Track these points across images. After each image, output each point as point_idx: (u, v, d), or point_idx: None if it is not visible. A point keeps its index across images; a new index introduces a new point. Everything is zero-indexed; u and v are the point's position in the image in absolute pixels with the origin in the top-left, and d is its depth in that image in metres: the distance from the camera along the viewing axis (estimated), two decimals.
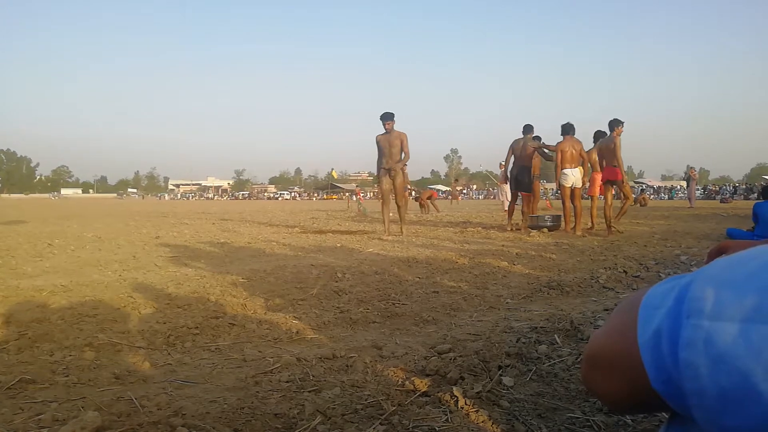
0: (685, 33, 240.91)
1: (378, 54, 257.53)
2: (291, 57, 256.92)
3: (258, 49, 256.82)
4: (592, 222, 9.00)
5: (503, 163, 18.34)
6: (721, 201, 31.81)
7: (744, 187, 47.40)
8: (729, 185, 54.55)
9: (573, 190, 8.27)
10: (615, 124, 7.96)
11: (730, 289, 0.35)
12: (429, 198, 18.07)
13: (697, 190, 34.63)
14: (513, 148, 8.87)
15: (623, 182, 8.22)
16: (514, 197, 9.28)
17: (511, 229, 8.72)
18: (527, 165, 8.72)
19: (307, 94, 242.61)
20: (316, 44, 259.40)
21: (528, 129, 8.69)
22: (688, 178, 22.58)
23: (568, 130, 8.32)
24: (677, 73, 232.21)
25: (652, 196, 45.88)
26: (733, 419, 0.32)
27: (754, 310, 0.32)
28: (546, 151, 8.65)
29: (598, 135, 8.56)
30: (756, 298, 0.33)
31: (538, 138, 9.06)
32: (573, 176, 8.19)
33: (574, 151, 8.18)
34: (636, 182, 64.57)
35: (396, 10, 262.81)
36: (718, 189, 49.40)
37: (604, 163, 8.33)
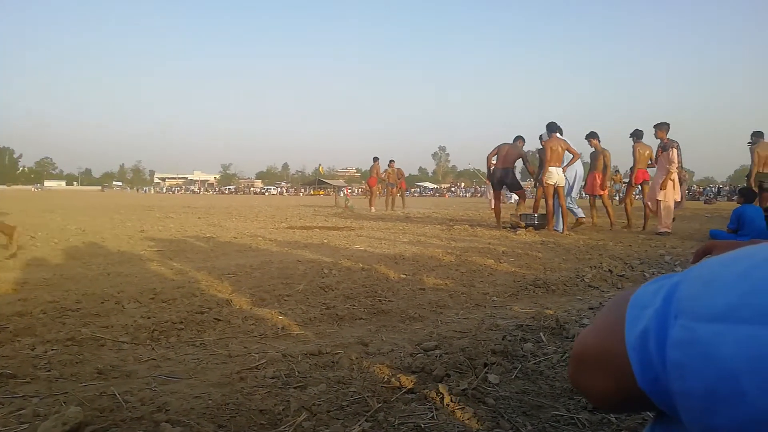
0: (669, 35, 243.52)
1: (366, 51, 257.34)
2: (280, 53, 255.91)
3: (245, 45, 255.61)
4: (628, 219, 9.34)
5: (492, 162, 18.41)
6: (705, 202, 32.20)
7: (728, 188, 48.00)
8: (713, 186, 55.17)
9: (556, 188, 8.33)
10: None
11: (719, 289, 0.35)
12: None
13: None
14: (499, 149, 9.04)
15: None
16: (498, 198, 9.52)
17: (503, 228, 8.76)
18: (510, 167, 8.96)
19: (295, 89, 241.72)
20: (305, 41, 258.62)
21: (552, 127, 8.58)
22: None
23: (554, 128, 8.39)
24: (661, 74, 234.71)
25: (637, 197, 46.23)
26: (718, 419, 0.32)
27: (741, 310, 0.32)
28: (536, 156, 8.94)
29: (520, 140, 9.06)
30: (744, 298, 0.33)
31: (521, 138, 9.39)
32: (557, 175, 8.25)
33: (560, 150, 8.24)
34: (624, 183, 65.14)
35: (386, 10, 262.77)
36: (702, 190, 49.94)
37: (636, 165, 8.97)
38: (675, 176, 8.10)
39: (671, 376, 0.35)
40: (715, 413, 0.32)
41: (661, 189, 8.09)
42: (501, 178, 9.00)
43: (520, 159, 9.23)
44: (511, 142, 9.18)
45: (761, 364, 0.30)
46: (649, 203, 8.45)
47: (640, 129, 9.02)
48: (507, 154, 8.93)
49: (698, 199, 40.50)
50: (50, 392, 1.79)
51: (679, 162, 8.20)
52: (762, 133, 8.81)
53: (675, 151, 8.05)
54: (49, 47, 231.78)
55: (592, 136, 9.41)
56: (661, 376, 0.36)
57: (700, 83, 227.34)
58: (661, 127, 8.32)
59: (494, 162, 9.14)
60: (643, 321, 0.39)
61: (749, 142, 8.96)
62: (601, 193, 9.54)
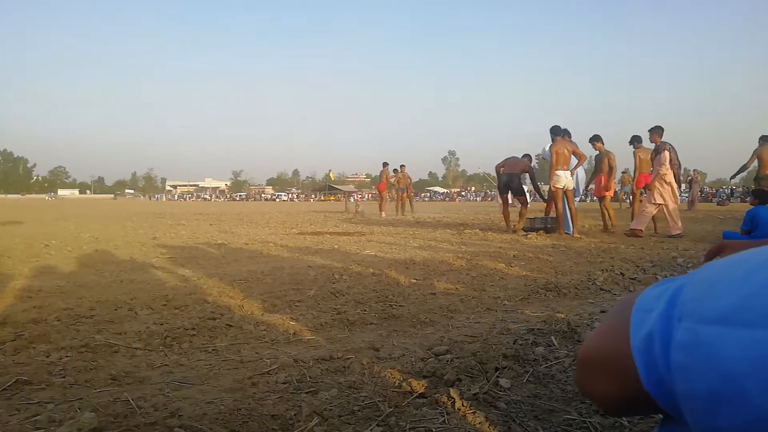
0: (679, 36, 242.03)
1: (376, 56, 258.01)
2: (288, 58, 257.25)
3: (256, 52, 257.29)
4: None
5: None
6: (718, 204, 31.87)
7: (741, 189, 47.42)
8: (726, 188, 54.58)
9: (566, 192, 8.28)
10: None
11: (722, 291, 0.35)
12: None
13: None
14: (506, 160, 9.37)
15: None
16: (506, 203, 9.60)
17: (513, 231, 8.75)
18: (516, 173, 9.15)
19: (304, 95, 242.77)
20: (313, 45, 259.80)
21: (556, 131, 8.66)
22: (690, 181, 22.54)
23: (558, 132, 8.37)
24: (673, 76, 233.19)
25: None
26: (721, 421, 0.33)
27: (743, 312, 0.33)
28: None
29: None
30: (746, 300, 0.33)
31: (528, 156, 9.76)
32: (566, 178, 8.20)
33: (566, 153, 8.20)
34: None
35: (392, 13, 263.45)
36: (714, 192, 49.42)
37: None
38: (670, 177, 8.05)
39: (675, 378, 0.36)
40: (718, 415, 0.33)
41: (649, 190, 8.09)
42: (506, 183, 9.22)
43: (527, 174, 9.50)
44: (519, 156, 9.63)
45: (763, 366, 0.31)
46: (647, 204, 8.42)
47: (638, 135, 9.12)
48: (513, 164, 9.21)
49: (711, 201, 40.11)
50: (65, 398, 1.81)
51: (675, 163, 8.13)
52: None
53: (666, 153, 8.04)
54: (59, 57, 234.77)
55: (595, 139, 9.39)
56: (665, 378, 0.37)
57: (713, 84, 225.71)
58: (655, 131, 8.33)
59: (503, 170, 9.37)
60: (647, 324, 0.39)
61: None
62: (605, 194, 9.49)
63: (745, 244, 0.63)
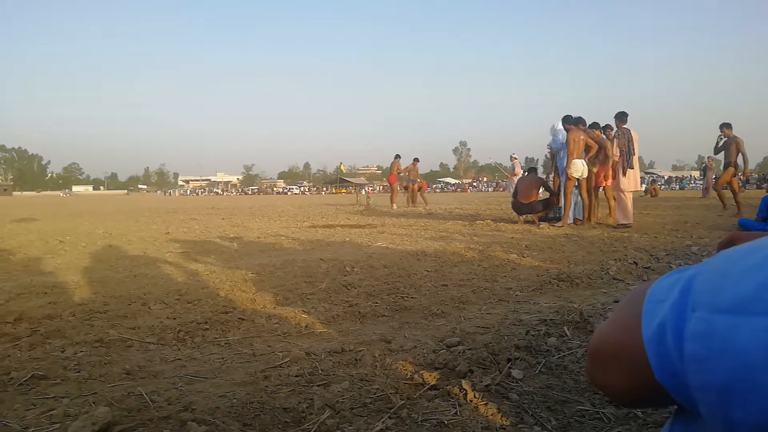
0: (692, 24, 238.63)
1: (386, 47, 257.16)
2: (297, 52, 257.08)
3: (264, 46, 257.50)
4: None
5: (514, 156, 18.51)
6: None
7: (756, 176, 46.83)
8: (741, 175, 53.90)
9: (579, 181, 8.22)
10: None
11: (735, 281, 0.34)
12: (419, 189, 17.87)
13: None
14: (517, 185, 9.42)
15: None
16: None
17: (525, 221, 8.72)
18: (534, 199, 9.07)
19: (314, 88, 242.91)
20: (323, 38, 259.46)
21: (569, 120, 8.58)
22: (704, 168, 22.27)
23: (570, 120, 8.30)
24: (688, 63, 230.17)
25: (663, 187, 45.70)
26: (738, 413, 0.32)
27: (757, 302, 0.32)
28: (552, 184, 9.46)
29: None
30: (759, 290, 0.32)
31: (534, 170, 9.92)
32: (582, 166, 8.13)
33: (582, 142, 8.13)
34: (647, 173, 64.02)
35: (403, 5, 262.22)
36: None
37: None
38: (617, 165, 8.11)
39: (689, 369, 0.35)
40: (734, 406, 0.32)
41: (605, 179, 8.20)
42: (528, 212, 9.18)
43: (542, 186, 9.51)
44: (526, 173, 9.95)
45: None
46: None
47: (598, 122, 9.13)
48: (528, 191, 9.04)
49: (726, 188, 39.60)
50: (80, 393, 1.83)
51: (624, 150, 8.02)
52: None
53: (615, 140, 8.12)
54: (73, 54, 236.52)
55: (595, 127, 9.19)
56: (679, 369, 0.36)
57: (727, 70, 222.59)
58: (617, 117, 8.30)
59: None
60: (660, 314, 0.38)
61: (720, 135, 10.01)
62: (604, 184, 9.34)
63: (758, 237, 0.62)
